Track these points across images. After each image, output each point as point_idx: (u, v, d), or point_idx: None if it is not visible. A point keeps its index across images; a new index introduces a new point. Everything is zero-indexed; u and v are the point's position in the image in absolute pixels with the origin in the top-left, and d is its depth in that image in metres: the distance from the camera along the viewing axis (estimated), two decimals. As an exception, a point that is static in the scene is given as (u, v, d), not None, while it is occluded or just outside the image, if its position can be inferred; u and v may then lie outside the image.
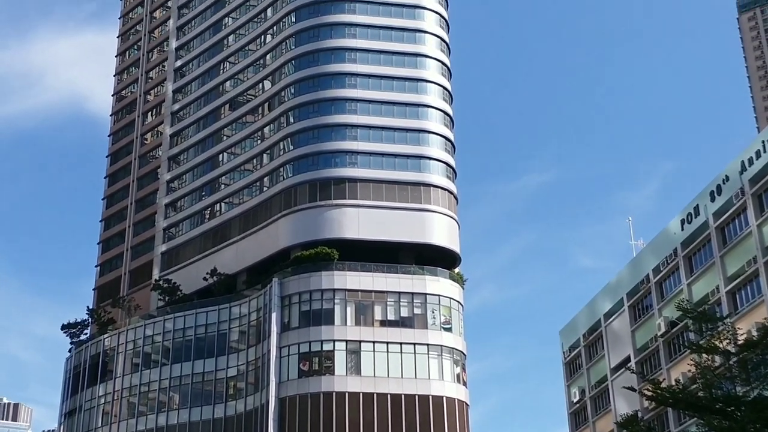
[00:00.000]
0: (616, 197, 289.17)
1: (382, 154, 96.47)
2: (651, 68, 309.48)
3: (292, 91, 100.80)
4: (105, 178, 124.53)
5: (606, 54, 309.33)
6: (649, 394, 48.77)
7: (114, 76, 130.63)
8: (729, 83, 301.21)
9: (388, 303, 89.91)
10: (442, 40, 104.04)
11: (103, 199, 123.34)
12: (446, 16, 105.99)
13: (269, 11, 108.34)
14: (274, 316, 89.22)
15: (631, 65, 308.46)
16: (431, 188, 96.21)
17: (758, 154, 66.43)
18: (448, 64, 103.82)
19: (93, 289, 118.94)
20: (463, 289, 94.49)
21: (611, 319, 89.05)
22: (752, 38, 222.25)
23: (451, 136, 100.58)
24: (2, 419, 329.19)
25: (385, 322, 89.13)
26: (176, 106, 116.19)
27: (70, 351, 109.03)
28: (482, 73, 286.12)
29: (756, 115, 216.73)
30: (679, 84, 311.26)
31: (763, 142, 66.44)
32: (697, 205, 74.15)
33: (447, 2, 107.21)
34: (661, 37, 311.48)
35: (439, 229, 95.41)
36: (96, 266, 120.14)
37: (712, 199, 72.13)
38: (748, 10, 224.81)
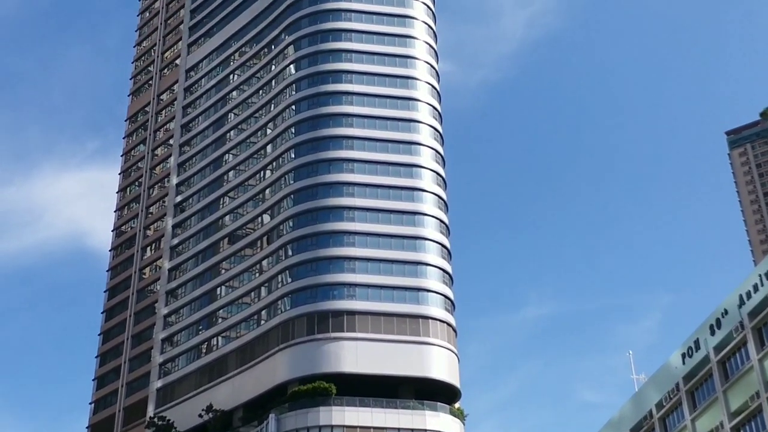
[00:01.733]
0: (617, 330, 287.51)
1: (381, 287, 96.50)
2: (647, 202, 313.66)
3: (291, 224, 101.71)
4: (102, 313, 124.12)
5: (602, 188, 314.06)
6: None
7: (115, 211, 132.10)
8: (723, 216, 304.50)
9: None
10: (438, 174, 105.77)
11: (99, 335, 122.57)
12: (441, 151, 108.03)
13: (269, 148, 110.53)
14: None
15: (627, 199, 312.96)
16: (430, 321, 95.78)
17: (756, 288, 66.42)
18: (445, 197, 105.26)
19: (86, 427, 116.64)
20: (463, 424, 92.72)
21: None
22: (744, 173, 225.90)
23: (449, 268, 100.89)
24: None
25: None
26: (175, 241, 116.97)
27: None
28: (479, 206, 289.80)
29: (752, 248, 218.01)
30: (675, 217, 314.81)
31: (760, 275, 66.54)
32: (698, 338, 73.61)
33: (442, 138, 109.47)
34: (655, 171, 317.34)
35: (438, 362, 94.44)
36: (90, 403, 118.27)
37: (712, 333, 71.65)
38: (739, 146, 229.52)
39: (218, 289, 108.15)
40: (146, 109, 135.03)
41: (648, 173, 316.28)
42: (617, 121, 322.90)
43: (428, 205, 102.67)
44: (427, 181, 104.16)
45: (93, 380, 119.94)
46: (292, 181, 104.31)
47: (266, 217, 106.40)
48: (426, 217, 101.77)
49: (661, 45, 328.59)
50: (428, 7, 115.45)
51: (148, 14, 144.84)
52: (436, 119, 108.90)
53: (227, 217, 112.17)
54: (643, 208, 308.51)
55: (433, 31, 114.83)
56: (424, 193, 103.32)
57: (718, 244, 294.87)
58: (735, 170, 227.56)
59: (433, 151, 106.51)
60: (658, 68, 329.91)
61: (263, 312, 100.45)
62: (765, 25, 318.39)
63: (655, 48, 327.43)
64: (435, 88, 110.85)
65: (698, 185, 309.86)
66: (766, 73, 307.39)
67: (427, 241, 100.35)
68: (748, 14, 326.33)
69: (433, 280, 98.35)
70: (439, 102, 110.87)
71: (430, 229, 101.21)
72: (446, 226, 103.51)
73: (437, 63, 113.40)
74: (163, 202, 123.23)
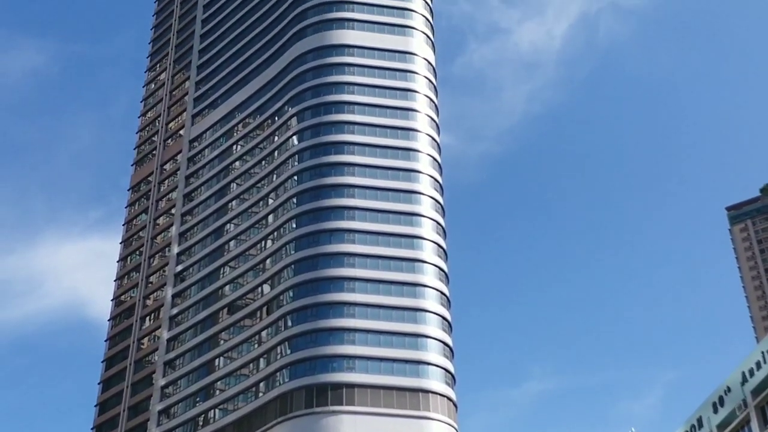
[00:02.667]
0: (619, 406, 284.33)
1: (380, 359, 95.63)
2: (648, 276, 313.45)
3: (291, 295, 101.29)
4: (99, 384, 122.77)
5: (604, 262, 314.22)
6: None
7: (114, 281, 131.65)
8: (725, 292, 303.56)
9: None
10: (439, 245, 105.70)
11: (95, 406, 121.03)
12: (442, 223, 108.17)
13: (270, 218, 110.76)
14: None
15: (629, 274, 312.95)
16: (430, 395, 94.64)
17: (758, 365, 65.73)
18: (446, 269, 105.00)
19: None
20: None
21: None
22: (745, 249, 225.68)
23: (449, 341, 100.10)
24: None
25: None
26: (175, 311, 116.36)
27: None
28: (481, 278, 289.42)
29: (754, 324, 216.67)
30: (677, 292, 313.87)
31: (762, 353, 65.90)
32: (700, 416, 72.62)
33: (443, 209, 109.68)
34: (656, 245, 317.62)
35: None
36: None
37: (715, 411, 70.71)
38: (740, 221, 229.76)
39: (216, 360, 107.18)
40: (149, 178, 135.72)
41: (649, 247, 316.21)
42: (618, 195, 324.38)
43: (429, 276, 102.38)
44: (428, 252, 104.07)
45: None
46: (292, 251, 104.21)
47: (266, 288, 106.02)
48: (427, 288, 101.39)
49: (660, 120, 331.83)
50: (430, 80, 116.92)
51: (153, 86, 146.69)
52: (437, 191, 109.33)
53: (227, 287, 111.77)
54: (644, 282, 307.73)
55: (435, 104, 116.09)
56: (425, 264, 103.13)
57: (720, 319, 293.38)
58: (736, 246, 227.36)
59: (434, 223, 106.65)
60: (658, 143, 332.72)
61: (261, 384, 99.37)
62: (764, 101, 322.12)
63: (655, 122, 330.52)
64: (436, 160, 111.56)
65: (700, 260, 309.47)
66: (767, 148, 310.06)
67: (427, 313, 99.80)
68: (748, 90, 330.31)
69: (433, 353, 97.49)
70: (441, 174, 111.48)
71: (430, 301, 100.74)
72: (447, 298, 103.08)
73: (438, 135, 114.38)
74: (164, 271, 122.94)
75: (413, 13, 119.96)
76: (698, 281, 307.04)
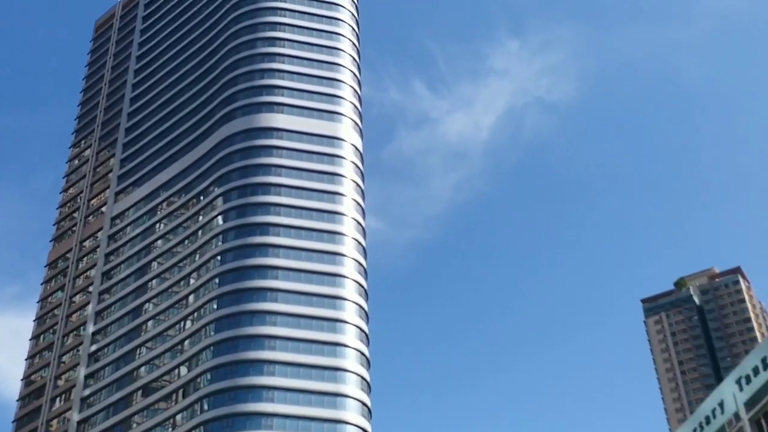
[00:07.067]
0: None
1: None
2: (565, 369, 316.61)
3: (209, 377, 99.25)
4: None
5: (522, 352, 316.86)
6: None
7: (26, 360, 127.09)
8: (641, 384, 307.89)
9: None
10: (362, 330, 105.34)
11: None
12: (365, 307, 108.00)
13: (191, 298, 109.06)
14: None
15: (545, 366, 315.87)
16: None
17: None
18: (368, 354, 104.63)
19: None
20: None
21: None
22: (659, 341, 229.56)
23: (368, 427, 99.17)
24: None
25: None
26: (87, 392, 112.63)
27: None
28: (403, 365, 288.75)
29: (667, 416, 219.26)
30: (592, 385, 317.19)
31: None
32: None
33: (367, 294, 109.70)
34: (572, 337, 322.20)
35: None
36: None
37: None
38: (654, 314, 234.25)
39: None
40: (67, 255, 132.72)
41: (566, 339, 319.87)
42: (537, 285, 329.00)
43: (350, 361, 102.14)
44: (350, 336, 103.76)
45: None
46: (212, 333, 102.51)
47: (183, 370, 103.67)
48: (347, 373, 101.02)
49: (579, 212, 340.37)
50: (356, 165, 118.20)
51: (77, 161, 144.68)
52: (361, 274, 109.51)
53: (143, 369, 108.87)
54: (561, 375, 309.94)
55: (361, 189, 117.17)
56: (347, 348, 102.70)
57: (635, 412, 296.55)
58: (651, 338, 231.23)
59: (358, 306, 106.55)
60: (577, 235, 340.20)
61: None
62: (680, 197, 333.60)
63: (574, 215, 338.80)
64: (361, 244, 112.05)
65: (616, 352, 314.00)
66: (681, 243, 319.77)
67: (347, 398, 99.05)
68: (664, 186, 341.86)
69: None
70: (365, 258, 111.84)
71: (351, 386, 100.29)
72: (368, 383, 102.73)
73: (364, 220, 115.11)
74: (77, 351, 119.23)
75: (342, 99, 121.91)
76: (615, 374, 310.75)
